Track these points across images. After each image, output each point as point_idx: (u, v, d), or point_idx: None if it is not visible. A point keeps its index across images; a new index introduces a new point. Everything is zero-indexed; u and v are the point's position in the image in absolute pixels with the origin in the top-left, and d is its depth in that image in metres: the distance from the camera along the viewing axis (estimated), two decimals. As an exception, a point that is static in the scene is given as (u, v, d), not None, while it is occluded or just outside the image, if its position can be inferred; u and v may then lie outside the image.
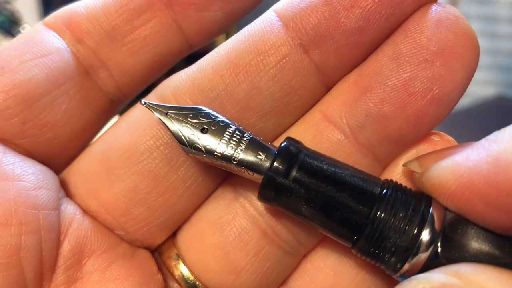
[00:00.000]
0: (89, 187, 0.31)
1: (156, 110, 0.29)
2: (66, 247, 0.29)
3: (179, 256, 0.32)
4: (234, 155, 0.28)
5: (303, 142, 0.29)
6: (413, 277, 0.23)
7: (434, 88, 0.27)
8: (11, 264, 0.26)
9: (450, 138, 0.29)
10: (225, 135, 0.28)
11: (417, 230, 0.25)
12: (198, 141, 0.28)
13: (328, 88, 0.30)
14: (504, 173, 0.22)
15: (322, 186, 0.27)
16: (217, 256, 0.31)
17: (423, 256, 0.25)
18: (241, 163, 0.28)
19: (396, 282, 0.25)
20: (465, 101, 1.70)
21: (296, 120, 0.31)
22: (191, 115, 0.29)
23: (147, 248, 0.33)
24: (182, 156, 0.30)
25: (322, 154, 0.28)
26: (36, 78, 0.29)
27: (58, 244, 0.29)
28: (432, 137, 0.29)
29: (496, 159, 0.23)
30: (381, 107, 0.28)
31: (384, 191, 0.27)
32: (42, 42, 0.30)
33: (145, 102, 0.29)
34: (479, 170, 0.23)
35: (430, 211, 0.26)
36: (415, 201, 0.26)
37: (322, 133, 0.30)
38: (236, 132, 0.28)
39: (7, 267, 0.26)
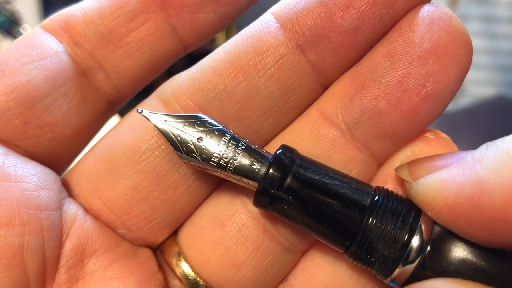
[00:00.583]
0: (92, 186, 0.31)
1: (152, 118, 0.29)
2: (68, 247, 0.29)
3: (180, 254, 0.32)
4: (229, 164, 0.28)
5: (300, 139, 0.29)
6: None
7: (428, 85, 0.27)
8: (14, 264, 0.27)
9: (444, 135, 0.30)
10: (220, 144, 0.28)
11: (406, 239, 0.26)
12: (193, 150, 0.29)
13: (324, 87, 0.31)
14: (487, 198, 0.23)
15: (316, 195, 0.27)
16: (218, 251, 0.31)
17: (411, 266, 0.26)
18: (237, 171, 0.28)
19: None
20: (465, 101, 1.70)
21: (294, 119, 0.32)
22: (187, 124, 0.29)
23: (149, 246, 0.33)
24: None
25: (316, 162, 0.29)
26: (36, 80, 0.30)
27: (60, 244, 0.29)
28: (426, 134, 0.30)
29: (480, 182, 0.23)
30: (376, 104, 0.28)
31: (376, 198, 0.27)
32: (40, 45, 0.31)
33: (141, 111, 0.29)
34: (464, 192, 0.24)
35: (419, 222, 0.26)
36: (405, 210, 0.27)
37: (319, 130, 0.30)
38: (231, 141, 0.29)
39: (10, 266, 0.27)
